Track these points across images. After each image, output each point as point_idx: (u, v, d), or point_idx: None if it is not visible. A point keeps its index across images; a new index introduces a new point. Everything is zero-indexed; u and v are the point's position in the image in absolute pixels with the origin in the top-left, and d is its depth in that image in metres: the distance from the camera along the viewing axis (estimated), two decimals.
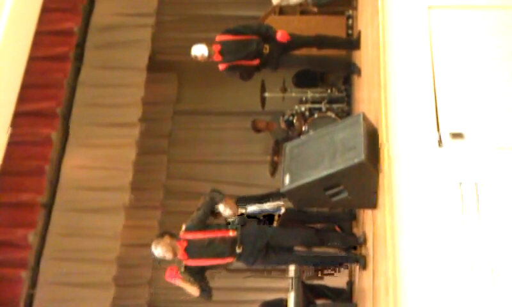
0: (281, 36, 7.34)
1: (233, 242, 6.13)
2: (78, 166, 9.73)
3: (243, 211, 6.86)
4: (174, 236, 6.17)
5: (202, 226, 6.20)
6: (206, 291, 6.23)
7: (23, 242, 8.50)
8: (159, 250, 6.10)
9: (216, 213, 6.50)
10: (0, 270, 8.39)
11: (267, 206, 6.85)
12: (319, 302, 7.50)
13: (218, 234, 6.15)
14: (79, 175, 9.66)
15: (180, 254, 6.08)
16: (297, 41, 7.55)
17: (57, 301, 8.91)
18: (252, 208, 6.92)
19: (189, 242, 6.10)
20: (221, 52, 7.40)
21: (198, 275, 6.14)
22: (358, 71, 7.50)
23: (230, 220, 6.37)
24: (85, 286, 9.11)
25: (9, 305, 8.20)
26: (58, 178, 9.49)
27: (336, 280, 8.40)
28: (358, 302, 6.82)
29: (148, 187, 10.63)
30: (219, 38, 7.48)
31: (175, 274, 6.04)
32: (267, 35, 7.42)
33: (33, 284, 8.93)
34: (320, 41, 7.79)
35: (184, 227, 6.24)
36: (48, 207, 9.31)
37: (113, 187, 9.58)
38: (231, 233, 6.14)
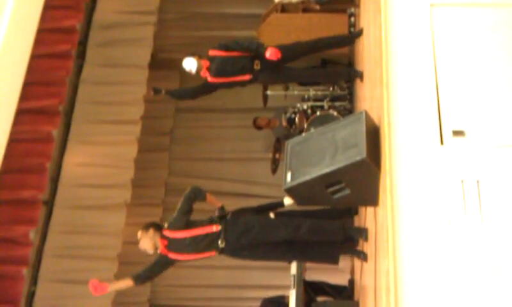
0: (270, 54, 7.22)
1: (216, 236, 6.10)
2: (79, 163, 9.74)
3: None
4: (158, 229, 6.21)
5: (184, 224, 6.17)
6: (140, 278, 6.36)
7: (24, 239, 8.50)
8: (142, 243, 6.20)
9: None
10: (2, 267, 8.39)
11: None
12: (320, 299, 7.50)
13: (201, 231, 6.12)
14: (80, 172, 9.66)
15: (161, 250, 6.15)
16: (290, 55, 7.49)
17: (58, 298, 8.92)
18: None
19: (170, 240, 6.13)
20: (209, 69, 7.49)
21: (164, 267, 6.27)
22: (361, 76, 7.46)
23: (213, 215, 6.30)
24: (86, 283, 9.08)
25: (10, 302, 8.21)
26: (59, 176, 9.50)
27: (338, 278, 8.42)
28: (359, 299, 6.82)
29: (150, 185, 10.63)
30: (211, 52, 7.53)
31: (100, 289, 6.33)
32: (257, 52, 7.39)
33: (34, 281, 8.94)
34: (316, 47, 7.76)
35: (166, 225, 6.26)
36: (50, 204, 9.31)
37: (115, 184, 9.59)
38: (214, 228, 6.12)
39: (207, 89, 7.87)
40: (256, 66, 7.41)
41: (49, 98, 9.13)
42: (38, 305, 8.88)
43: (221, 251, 6.15)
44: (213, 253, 6.16)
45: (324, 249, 6.45)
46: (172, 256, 6.15)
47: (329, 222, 6.49)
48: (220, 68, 7.48)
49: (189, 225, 6.17)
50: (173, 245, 6.13)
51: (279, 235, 6.16)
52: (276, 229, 6.17)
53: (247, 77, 7.49)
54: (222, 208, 6.30)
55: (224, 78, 7.54)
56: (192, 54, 7.63)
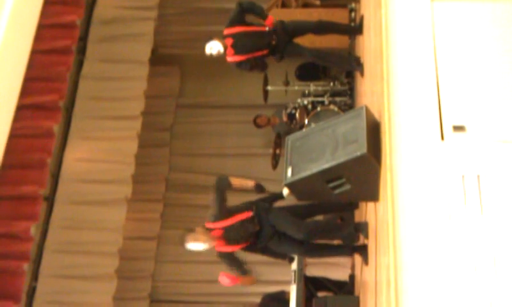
0: (268, 19, 7.40)
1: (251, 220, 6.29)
2: (80, 159, 9.74)
3: None
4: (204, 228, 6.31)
5: (225, 214, 6.30)
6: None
7: (25, 234, 8.50)
8: (196, 243, 6.25)
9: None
10: (3, 263, 8.40)
11: None
12: (321, 294, 7.52)
13: (243, 216, 6.27)
14: (81, 168, 9.67)
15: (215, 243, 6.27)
16: (298, 27, 7.59)
17: (59, 293, 8.93)
18: None
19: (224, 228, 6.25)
20: (233, 45, 7.39)
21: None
22: (361, 70, 7.45)
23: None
24: (87, 278, 9.13)
25: (11, 297, 8.21)
26: (60, 171, 9.50)
27: (339, 273, 8.43)
28: (360, 295, 6.83)
29: (150, 180, 10.64)
30: (228, 31, 7.45)
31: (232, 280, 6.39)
32: (260, 15, 7.46)
33: (35, 276, 8.96)
34: (322, 27, 7.79)
35: (208, 220, 6.34)
36: (50, 200, 9.33)
37: (115, 179, 9.60)
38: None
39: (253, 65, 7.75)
40: (273, 40, 7.45)
41: (50, 93, 9.13)
42: (39, 300, 8.90)
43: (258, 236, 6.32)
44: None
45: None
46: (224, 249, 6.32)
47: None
48: (246, 43, 7.45)
49: (231, 213, 6.32)
50: (227, 232, 6.25)
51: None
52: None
53: (265, 52, 7.53)
54: (258, 187, 6.54)
55: (248, 54, 7.50)
56: (210, 38, 7.56)
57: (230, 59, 7.49)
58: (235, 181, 6.51)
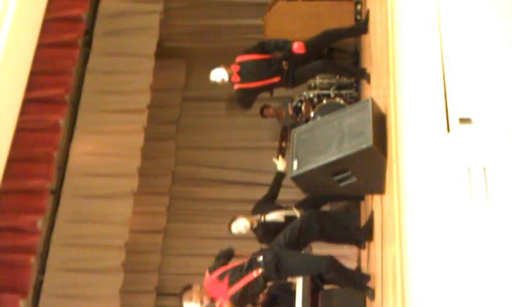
0: (297, 47, 7.27)
1: (252, 258, 6.15)
2: (86, 153, 9.76)
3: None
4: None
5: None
6: None
7: (32, 228, 8.54)
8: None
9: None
10: (10, 256, 8.43)
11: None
12: (327, 287, 7.51)
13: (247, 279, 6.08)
14: (87, 161, 9.69)
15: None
16: (311, 49, 7.47)
17: (66, 287, 8.96)
18: (272, 216, 6.99)
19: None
20: (240, 73, 7.36)
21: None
22: (368, 79, 7.42)
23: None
24: (94, 272, 9.16)
25: (18, 290, 8.25)
26: (66, 165, 9.52)
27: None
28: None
29: (156, 174, 10.64)
30: (240, 58, 7.42)
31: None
32: (284, 48, 7.37)
33: (42, 270, 8.99)
34: (329, 38, 7.74)
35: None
36: (57, 193, 9.35)
37: (121, 173, 9.61)
38: (255, 274, 6.05)
39: (245, 98, 7.71)
40: (285, 66, 7.37)
41: (56, 87, 9.15)
42: (46, 293, 8.92)
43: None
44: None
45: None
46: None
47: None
48: (251, 71, 7.40)
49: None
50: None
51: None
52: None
53: (276, 79, 7.43)
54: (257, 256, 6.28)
55: (255, 82, 7.45)
56: (216, 65, 7.53)
57: (236, 86, 7.45)
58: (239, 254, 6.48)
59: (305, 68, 7.65)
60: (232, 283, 5.98)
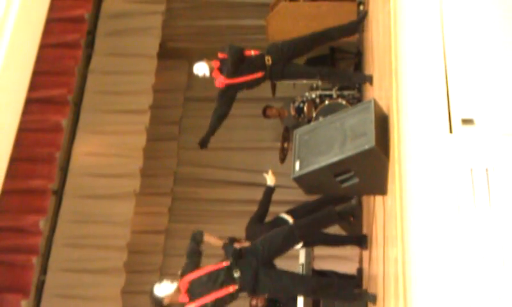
0: (217, 83, 7.26)
1: (228, 268, 5.81)
2: (88, 153, 9.78)
3: None
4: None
5: (195, 266, 5.96)
6: None
7: (34, 228, 8.55)
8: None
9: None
10: (12, 256, 8.45)
11: None
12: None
13: (214, 267, 5.85)
14: (89, 162, 9.70)
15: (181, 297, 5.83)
16: (295, 48, 7.34)
17: (68, 287, 8.98)
18: None
19: (190, 282, 5.84)
20: (221, 69, 7.31)
21: None
22: (371, 81, 7.37)
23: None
24: (96, 272, 9.17)
25: (20, 290, 8.26)
26: (69, 165, 9.54)
27: (346, 266, 8.42)
28: (368, 288, 6.83)
29: (159, 174, 10.66)
30: (221, 55, 7.36)
31: None
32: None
33: (44, 270, 9.00)
34: (319, 40, 7.64)
35: (179, 273, 6.00)
36: (59, 194, 9.37)
37: (123, 173, 9.62)
38: (224, 263, 5.84)
39: (224, 98, 7.55)
40: (268, 61, 7.32)
41: (58, 87, 9.17)
42: (48, 293, 8.94)
43: (240, 283, 5.81)
44: (234, 287, 5.79)
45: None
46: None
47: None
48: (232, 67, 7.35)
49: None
50: (193, 286, 5.82)
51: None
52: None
53: (260, 74, 7.38)
54: (229, 243, 6.14)
55: (238, 78, 7.40)
56: (199, 59, 7.50)
57: (217, 83, 7.37)
58: (209, 238, 6.26)
59: (305, 68, 7.62)
60: (202, 294, 5.74)
